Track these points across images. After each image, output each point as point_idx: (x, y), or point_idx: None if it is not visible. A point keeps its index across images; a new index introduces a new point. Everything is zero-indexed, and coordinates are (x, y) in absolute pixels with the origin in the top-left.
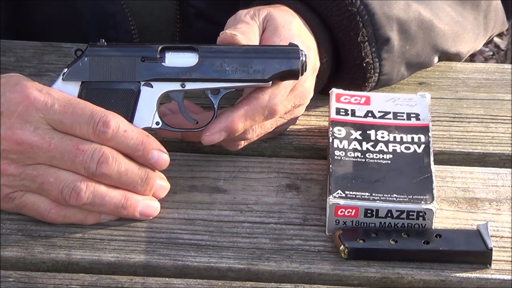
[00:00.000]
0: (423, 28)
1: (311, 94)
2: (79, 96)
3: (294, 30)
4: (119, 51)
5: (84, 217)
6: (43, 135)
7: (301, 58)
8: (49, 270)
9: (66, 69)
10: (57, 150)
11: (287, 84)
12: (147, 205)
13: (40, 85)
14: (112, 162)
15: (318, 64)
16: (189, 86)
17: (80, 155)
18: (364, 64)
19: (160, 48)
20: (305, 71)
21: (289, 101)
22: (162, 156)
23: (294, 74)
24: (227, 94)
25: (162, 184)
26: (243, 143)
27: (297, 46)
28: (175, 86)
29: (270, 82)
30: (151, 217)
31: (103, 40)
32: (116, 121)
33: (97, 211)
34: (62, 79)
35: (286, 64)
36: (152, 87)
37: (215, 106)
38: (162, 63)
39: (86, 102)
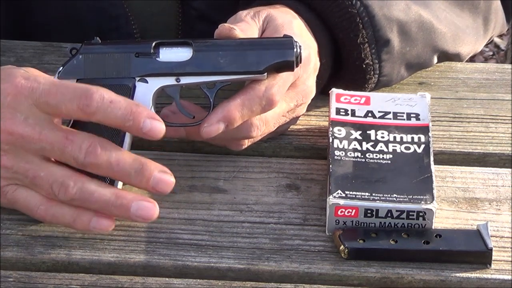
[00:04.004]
0: (423, 29)
1: (313, 92)
2: None
3: (295, 29)
4: (113, 48)
5: (73, 221)
6: (34, 125)
7: (295, 49)
8: (49, 270)
9: (61, 68)
10: (47, 140)
11: (285, 76)
12: (141, 207)
13: (27, 74)
14: (101, 152)
15: (318, 64)
16: (184, 80)
17: (69, 145)
18: (364, 66)
19: (154, 43)
20: (300, 63)
21: (291, 99)
22: (156, 124)
23: (289, 65)
24: (224, 90)
25: (162, 177)
26: (247, 142)
27: (291, 37)
28: (170, 81)
29: (265, 74)
30: (147, 221)
31: (98, 38)
32: (99, 93)
33: (88, 208)
34: (58, 77)
35: (281, 55)
36: (147, 82)
37: (211, 99)
38: (157, 59)
39: (72, 82)
